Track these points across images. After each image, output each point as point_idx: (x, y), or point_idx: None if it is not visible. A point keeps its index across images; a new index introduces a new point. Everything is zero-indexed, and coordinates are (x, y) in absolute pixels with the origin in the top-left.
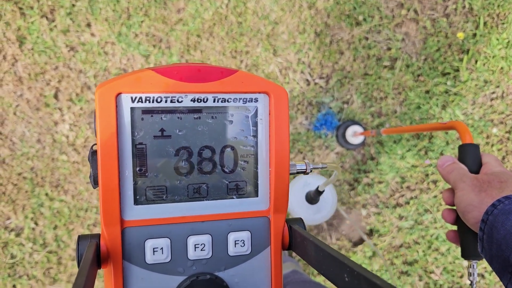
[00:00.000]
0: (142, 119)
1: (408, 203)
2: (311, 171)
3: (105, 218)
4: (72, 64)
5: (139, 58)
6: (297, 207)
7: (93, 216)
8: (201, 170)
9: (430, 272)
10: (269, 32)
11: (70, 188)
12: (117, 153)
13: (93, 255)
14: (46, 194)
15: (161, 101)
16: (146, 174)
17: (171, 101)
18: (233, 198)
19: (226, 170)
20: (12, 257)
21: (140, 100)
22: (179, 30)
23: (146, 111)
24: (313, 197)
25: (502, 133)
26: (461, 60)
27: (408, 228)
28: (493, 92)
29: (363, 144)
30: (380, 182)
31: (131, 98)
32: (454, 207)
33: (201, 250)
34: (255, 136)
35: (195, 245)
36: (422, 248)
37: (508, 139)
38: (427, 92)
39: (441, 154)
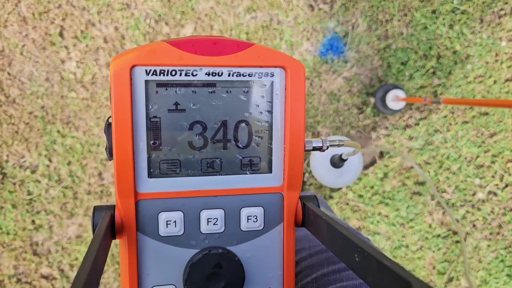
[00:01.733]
0: (157, 92)
1: (417, 124)
2: (327, 148)
3: (119, 190)
4: (75, 2)
5: None
6: (320, 168)
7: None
8: (215, 145)
9: (442, 192)
10: None
11: (81, 124)
12: (131, 126)
13: (107, 225)
14: (58, 131)
15: (175, 74)
16: (160, 148)
17: (186, 74)
18: (246, 173)
19: (240, 145)
20: (29, 193)
21: (154, 73)
22: None
23: (160, 84)
24: (336, 162)
25: (511, 50)
26: None
27: (418, 149)
28: (501, 9)
29: (402, 110)
30: None
31: (146, 70)
32: None
33: (214, 224)
34: (270, 111)
35: (207, 219)
36: (433, 168)
37: None
38: (434, 12)
39: (449, 73)
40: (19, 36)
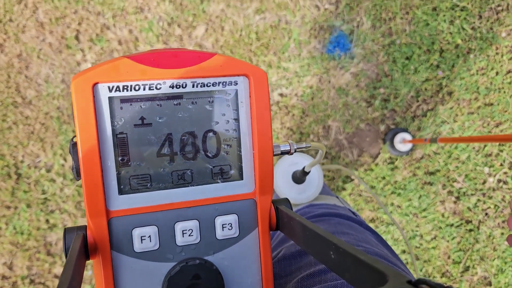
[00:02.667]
0: (121, 108)
1: (425, 115)
2: (295, 151)
3: (90, 210)
4: (91, 7)
5: None
6: (283, 186)
7: None
8: (184, 156)
9: (453, 181)
10: None
11: None
12: (98, 144)
13: (80, 246)
14: (73, 131)
15: (139, 89)
16: (129, 163)
17: (150, 89)
18: (218, 182)
19: (210, 155)
20: (44, 192)
21: (117, 89)
22: None
23: (124, 100)
24: (299, 177)
25: (511, 43)
26: None
27: None
28: (499, 5)
29: (411, 151)
30: (396, 97)
31: (109, 87)
32: None
33: (189, 235)
34: (237, 119)
35: (182, 231)
36: (443, 158)
37: None
38: (434, 9)
39: (453, 66)
40: (36, 40)
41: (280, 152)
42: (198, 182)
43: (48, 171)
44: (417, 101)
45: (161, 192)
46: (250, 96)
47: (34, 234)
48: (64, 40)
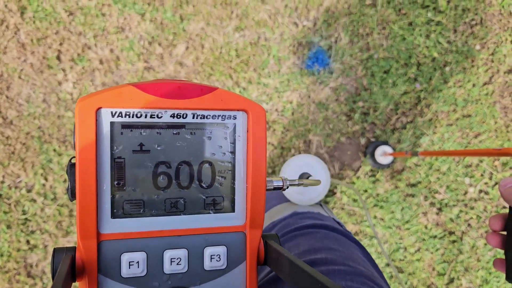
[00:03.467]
0: (122, 133)
1: (404, 128)
2: (287, 187)
3: (81, 231)
4: (72, 28)
5: (135, 16)
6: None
7: None
8: (178, 185)
9: (435, 192)
10: None
11: None
12: (96, 166)
13: (68, 268)
14: (54, 150)
15: (140, 116)
16: (124, 188)
17: (151, 117)
18: (209, 213)
19: (204, 185)
20: (24, 213)
21: (120, 114)
22: None
23: (125, 126)
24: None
25: (485, 56)
26: None
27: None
28: (473, 19)
29: (392, 163)
30: (375, 110)
31: (111, 112)
32: (502, 232)
33: (177, 264)
34: (233, 152)
35: (171, 259)
36: (423, 169)
37: (492, 61)
38: (410, 24)
39: (430, 79)
40: (17, 61)
41: (273, 188)
42: (190, 211)
43: (29, 191)
44: (396, 114)
45: (153, 219)
46: (247, 131)
47: (14, 256)
48: (45, 60)
